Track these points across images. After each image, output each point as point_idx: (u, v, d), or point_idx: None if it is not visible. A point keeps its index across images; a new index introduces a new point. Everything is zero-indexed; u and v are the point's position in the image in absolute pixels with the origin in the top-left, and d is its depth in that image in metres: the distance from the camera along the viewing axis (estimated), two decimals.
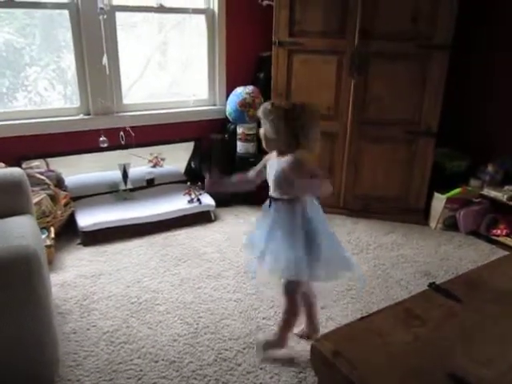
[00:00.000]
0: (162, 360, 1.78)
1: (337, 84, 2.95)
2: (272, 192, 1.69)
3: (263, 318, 2.04)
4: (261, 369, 1.75)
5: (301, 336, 1.90)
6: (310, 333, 1.90)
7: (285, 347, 1.81)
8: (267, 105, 1.64)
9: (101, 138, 2.92)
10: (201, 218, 2.96)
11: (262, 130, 1.67)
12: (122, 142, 2.98)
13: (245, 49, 3.37)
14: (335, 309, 2.13)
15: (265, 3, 3.15)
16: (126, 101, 3.15)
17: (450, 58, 2.75)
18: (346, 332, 1.23)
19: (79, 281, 2.30)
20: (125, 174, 3.03)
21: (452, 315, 1.28)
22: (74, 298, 2.15)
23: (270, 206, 1.68)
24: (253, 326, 1.99)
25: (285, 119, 1.58)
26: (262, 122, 1.65)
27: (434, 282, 1.42)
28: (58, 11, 2.83)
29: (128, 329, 1.95)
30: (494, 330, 1.23)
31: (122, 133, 2.98)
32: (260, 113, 1.65)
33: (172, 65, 3.49)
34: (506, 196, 2.80)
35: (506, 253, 2.60)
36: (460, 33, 2.82)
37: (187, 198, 3.02)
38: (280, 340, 1.80)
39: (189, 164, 3.36)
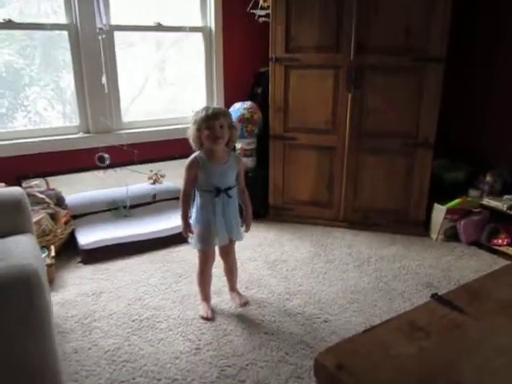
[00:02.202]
0: (165, 378, 1.76)
1: (334, 98, 2.98)
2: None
3: (265, 333, 2.03)
4: None
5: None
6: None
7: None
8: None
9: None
10: None
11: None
12: (104, 164, 3.00)
13: (242, 65, 3.41)
14: (338, 322, 2.12)
15: (261, 20, 3.20)
16: (125, 118, 3.18)
17: (447, 68, 2.78)
18: (349, 345, 1.21)
19: (80, 299, 2.28)
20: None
21: (455, 326, 1.27)
22: (74, 317, 2.14)
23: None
24: (256, 342, 1.97)
25: None
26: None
27: (436, 293, 1.41)
28: (57, 32, 2.87)
29: (130, 347, 1.94)
30: (498, 340, 1.22)
31: (106, 153, 3.00)
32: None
33: (170, 82, 3.52)
34: (505, 205, 2.80)
35: (508, 262, 2.58)
36: (456, 40, 2.86)
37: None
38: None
39: None
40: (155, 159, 3.22)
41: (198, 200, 2.05)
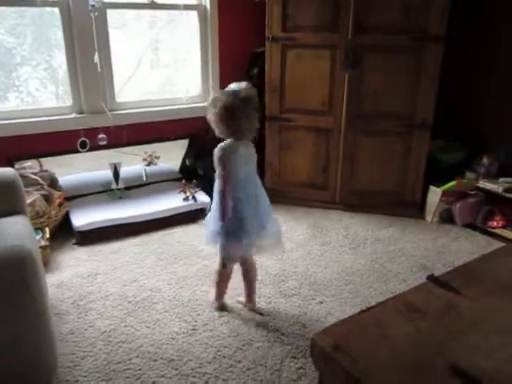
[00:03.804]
0: (161, 359, 1.77)
1: (331, 78, 2.95)
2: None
3: (261, 314, 2.04)
4: (261, 365, 1.74)
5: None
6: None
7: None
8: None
9: (99, 136, 2.92)
10: (196, 216, 2.95)
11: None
12: (86, 148, 2.95)
13: (238, 44, 3.35)
14: (333, 303, 2.13)
15: None
16: (119, 99, 3.13)
17: (445, 49, 2.74)
18: (345, 326, 1.22)
19: (75, 281, 2.28)
20: (116, 173, 3.00)
21: (451, 307, 1.27)
22: (70, 299, 2.14)
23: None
24: (251, 323, 1.98)
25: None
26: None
27: (432, 274, 1.42)
28: (48, 9, 2.80)
29: (126, 328, 1.94)
30: (493, 320, 1.23)
31: (102, 133, 2.96)
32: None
33: (165, 62, 3.46)
34: (501, 188, 2.81)
35: (503, 244, 2.60)
36: (454, 22, 2.81)
37: (182, 195, 3.00)
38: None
39: (183, 161, 3.34)
40: (150, 140, 3.18)
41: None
